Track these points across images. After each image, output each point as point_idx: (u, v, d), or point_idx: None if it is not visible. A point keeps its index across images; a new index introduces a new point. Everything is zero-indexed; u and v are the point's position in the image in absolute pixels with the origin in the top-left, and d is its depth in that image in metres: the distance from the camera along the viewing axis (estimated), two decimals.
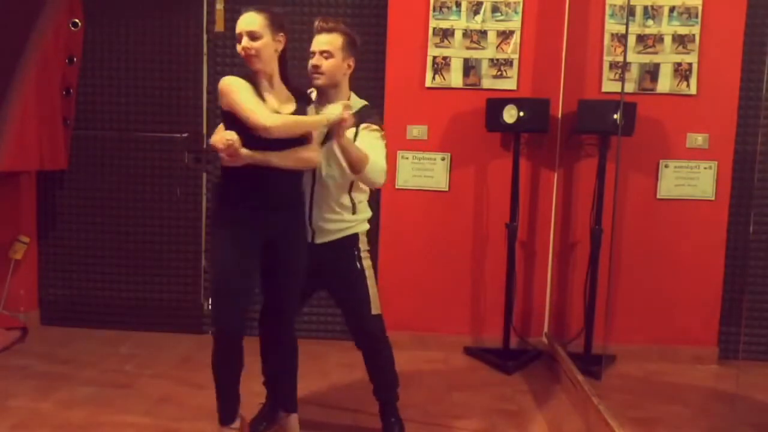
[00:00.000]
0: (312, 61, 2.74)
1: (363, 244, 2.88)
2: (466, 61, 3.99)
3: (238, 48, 2.53)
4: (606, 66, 3.92)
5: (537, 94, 3.96)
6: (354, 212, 2.81)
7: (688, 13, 3.84)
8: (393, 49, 4.01)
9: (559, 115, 4.04)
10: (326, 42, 2.72)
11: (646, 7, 3.85)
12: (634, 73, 3.89)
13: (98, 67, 4.21)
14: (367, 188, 2.86)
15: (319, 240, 2.79)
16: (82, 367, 3.69)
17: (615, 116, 3.58)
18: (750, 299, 3.93)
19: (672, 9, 3.84)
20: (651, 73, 3.89)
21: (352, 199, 2.80)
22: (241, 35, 2.51)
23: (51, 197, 4.30)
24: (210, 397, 2.87)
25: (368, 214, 2.91)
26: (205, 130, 4.21)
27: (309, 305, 4.30)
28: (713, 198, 3.89)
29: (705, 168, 3.88)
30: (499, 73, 4.00)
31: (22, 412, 3.11)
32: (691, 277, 3.92)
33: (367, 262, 2.87)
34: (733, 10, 3.81)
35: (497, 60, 3.99)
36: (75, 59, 4.12)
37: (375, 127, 2.77)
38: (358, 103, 2.82)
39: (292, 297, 2.75)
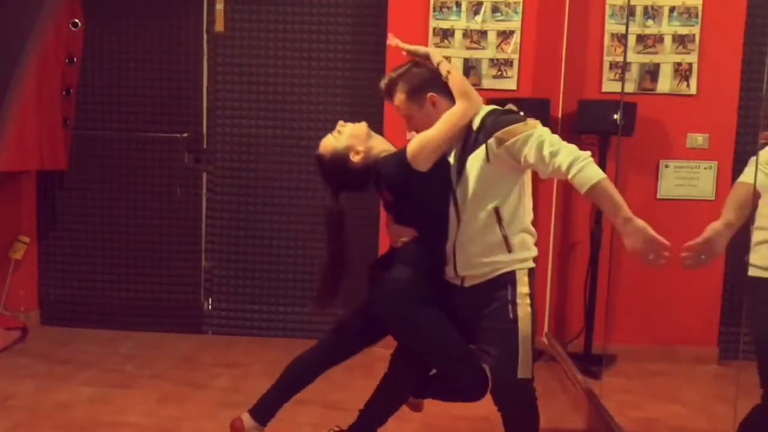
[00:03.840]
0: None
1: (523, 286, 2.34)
2: (466, 61, 3.99)
3: None
4: (606, 66, 3.92)
5: (537, 94, 3.95)
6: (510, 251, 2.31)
7: (688, 13, 3.84)
8: (393, 49, 3.97)
9: (559, 115, 4.03)
10: (398, 107, 2.44)
11: (646, 7, 3.85)
12: (634, 73, 3.89)
13: (98, 67, 4.21)
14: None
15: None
16: (82, 367, 3.69)
17: (615, 116, 3.58)
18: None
19: (672, 9, 3.84)
20: (651, 73, 3.88)
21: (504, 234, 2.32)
22: None
23: (51, 197, 4.30)
24: (210, 396, 2.87)
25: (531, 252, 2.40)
26: (205, 130, 4.22)
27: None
28: (713, 198, 3.88)
29: (705, 168, 3.88)
30: (499, 73, 4.00)
31: (22, 412, 3.11)
32: (691, 277, 3.90)
33: (524, 310, 2.32)
34: (733, 10, 3.81)
35: (497, 60, 3.99)
36: (75, 59, 4.11)
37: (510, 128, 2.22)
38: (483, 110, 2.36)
39: None
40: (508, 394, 2.34)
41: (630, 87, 3.87)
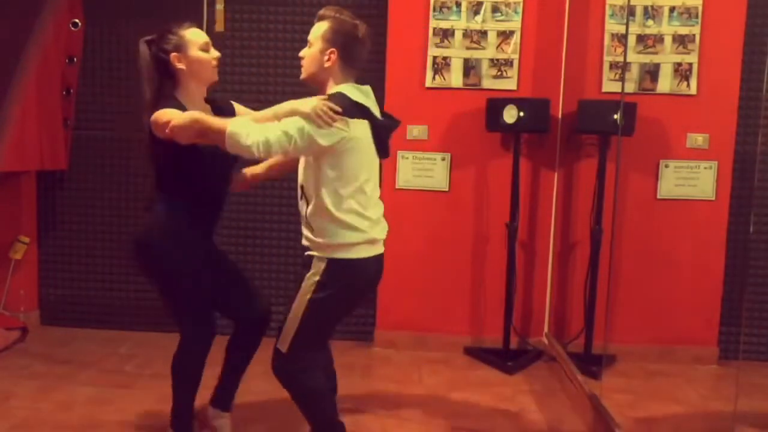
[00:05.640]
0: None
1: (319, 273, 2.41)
2: (466, 61, 3.99)
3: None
4: (606, 66, 3.92)
5: (537, 94, 3.96)
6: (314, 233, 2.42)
7: (688, 13, 3.84)
8: (393, 49, 4.01)
9: (559, 115, 4.04)
10: (311, 31, 2.47)
11: (646, 7, 3.86)
12: (634, 73, 3.89)
13: (98, 67, 4.21)
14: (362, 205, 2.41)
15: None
16: (82, 367, 3.69)
17: (615, 116, 3.58)
18: (750, 299, 3.93)
19: (672, 9, 3.84)
20: (651, 73, 3.89)
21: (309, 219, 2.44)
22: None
23: (51, 197, 4.30)
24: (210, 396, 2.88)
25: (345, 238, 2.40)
26: None
27: None
28: (713, 198, 3.89)
29: (705, 168, 3.88)
30: (499, 73, 4.00)
31: (22, 412, 3.11)
32: (691, 277, 3.92)
33: (302, 297, 2.44)
34: (733, 10, 3.81)
35: (497, 60, 3.99)
36: (75, 59, 4.12)
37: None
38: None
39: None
40: (274, 360, 2.52)
41: (630, 87, 3.87)
